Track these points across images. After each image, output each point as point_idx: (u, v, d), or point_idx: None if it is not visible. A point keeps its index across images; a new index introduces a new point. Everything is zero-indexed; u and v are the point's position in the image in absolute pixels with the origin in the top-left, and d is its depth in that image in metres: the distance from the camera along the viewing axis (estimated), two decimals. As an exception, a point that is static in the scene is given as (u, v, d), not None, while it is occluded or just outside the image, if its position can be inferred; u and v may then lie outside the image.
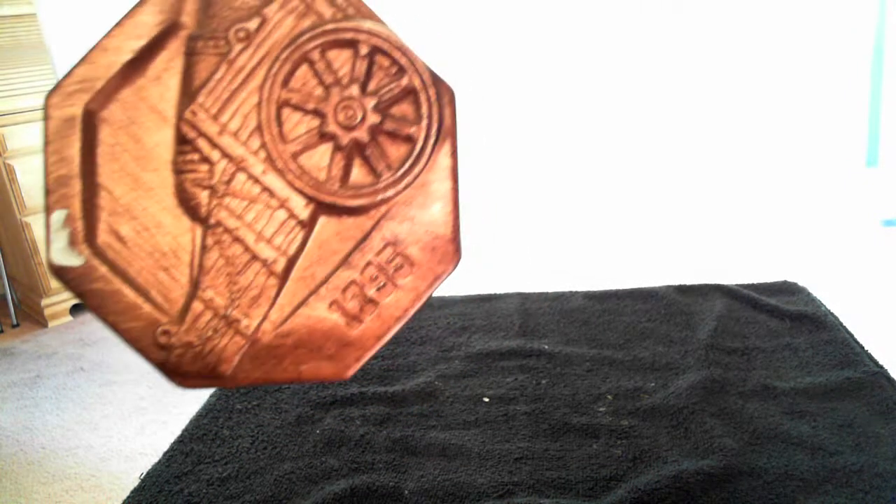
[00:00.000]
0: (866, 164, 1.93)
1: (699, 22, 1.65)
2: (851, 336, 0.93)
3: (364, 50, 0.38)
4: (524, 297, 1.13)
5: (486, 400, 0.85)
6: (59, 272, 0.37)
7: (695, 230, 1.75)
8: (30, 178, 2.63)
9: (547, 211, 1.76)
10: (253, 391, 0.89)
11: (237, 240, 0.39)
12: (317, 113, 0.38)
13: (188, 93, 0.38)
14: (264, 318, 0.39)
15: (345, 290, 0.39)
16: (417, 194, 0.39)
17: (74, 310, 2.81)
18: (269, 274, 0.39)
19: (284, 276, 0.39)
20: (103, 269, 0.38)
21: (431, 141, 0.39)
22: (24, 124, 2.63)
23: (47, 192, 0.38)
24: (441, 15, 1.61)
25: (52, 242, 0.37)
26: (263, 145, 0.38)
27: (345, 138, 0.38)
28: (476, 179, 1.67)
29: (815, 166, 1.78)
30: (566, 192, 1.75)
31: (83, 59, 0.38)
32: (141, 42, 0.38)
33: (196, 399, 0.90)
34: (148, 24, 0.39)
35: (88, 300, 0.38)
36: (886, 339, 1.08)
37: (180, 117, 0.38)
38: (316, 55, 0.38)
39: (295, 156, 0.38)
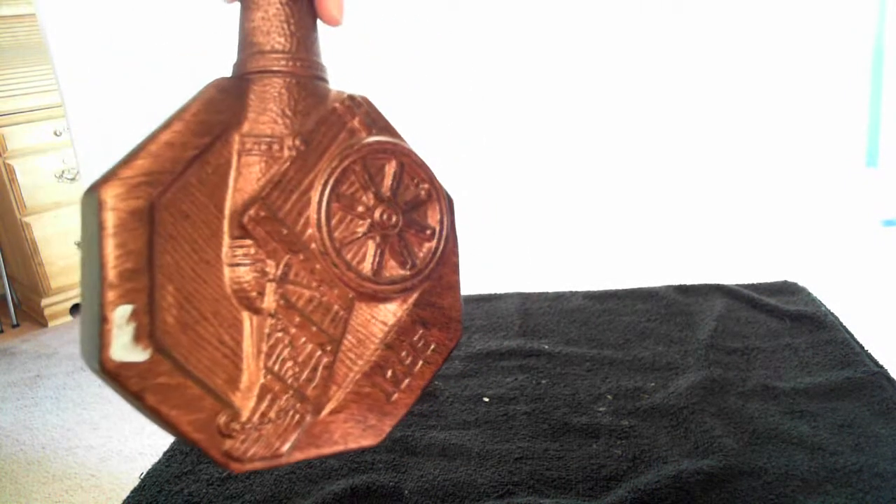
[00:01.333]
0: (866, 165, 1.93)
1: (698, 22, 1.65)
2: (851, 336, 0.93)
3: (394, 163, 0.44)
4: (524, 297, 1.13)
5: (486, 400, 0.85)
6: (118, 370, 0.36)
7: (695, 230, 1.75)
8: (30, 178, 2.63)
9: (547, 211, 1.75)
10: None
11: (292, 326, 0.42)
12: (360, 216, 0.43)
13: (242, 190, 0.41)
14: (321, 398, 0.42)
15: (384, 366, 0.44)
16: (436, 285, 0.46)
17: (74, 310, 2.81)
18: (323, 357, 0.43)
19: (335, 358, 0.43)
20: (167, 364, 0.38)
21: (444, 240, 0.46)
22: (24, 124, 2.63)
23: (109, 286, 0.36)
24: (442, 15, 1.61)
25: (115, 338, 0.36)
26: (315, 242, 0.42)
27: (381, 237, 0.44)
28: (476, 179, 1.67)
29: (815, 166, 1.77)
30: (566, 192, 1.75)
31: (144, 152, 0.39)
32: (199, 139, 0.41)
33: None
34: (204, 121, 0.41)
35: (149, 396, 0.37)
36: (886, 339, 1.08)
37: (237, 212, 0.41)
38: (358, 164, 0.43)
39: (340, 252, 0.43)
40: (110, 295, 0.37)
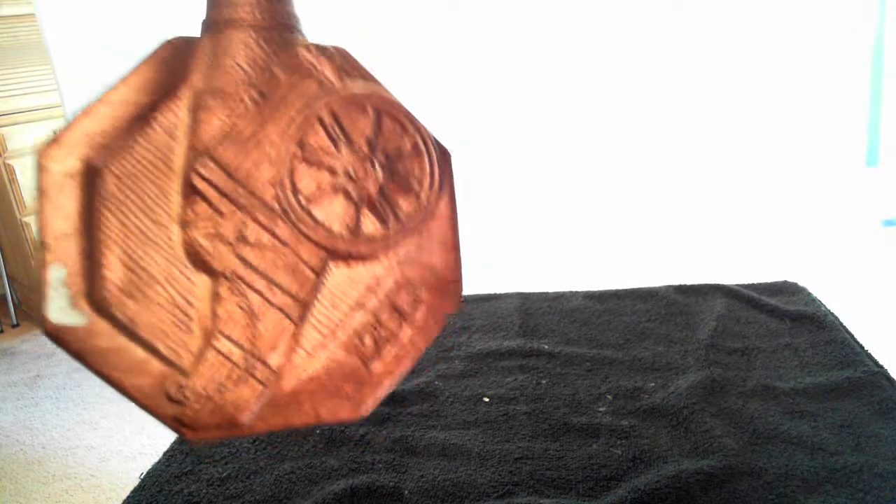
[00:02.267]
0: (866, 164, 1.93)
1: (698, 22, 1.65)
2: (851, 336, 0.93)
3: (371, 112, 0.41)
4: (524, 297, 1.13)
5: (486, 400, 0.85)
6: (57, 332, 0.36)
7: (695, 230, 1.75)
8: (30, 178, 2.62)
9: (547, 211, 1.76)
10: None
11: (251, 289, 0.39)
12: (329, 169, 0.40)
13: (195, 147, 0.39)
14: (283, 365, 0.39)
15: (361, 332, 0.41)
16: (424, 242, 0.42)
17: (74, 310, 2.82)
18: (286, 321, 0.39)
19: (300, 323, 0.40)
20: (106, 326, 0.36)
21: (434, 194, 0.42)
22: (24, 124, 2.63)
23: (45, 249, 0.36)
24: (442, 16, 1.61)
25: (51, 301, 0.36)
26: (277, 198, 0.39)
27: (356, 192, 0.40)
28: (476, 179, 1.67)
29: (815, 166, 1.77)
30: (566, 193, 1.75)
31: (85, 113, 0.38)
32: (148, 97, 0.39)
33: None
34: (154, 80, 0.39)
35: (90, 359, 0.36)
36: (886, 339, 1.08)
37: (189, 170, 0.39)
38: (327, 115, 0.40)
39: (308, 209, 0.40)
40: (46, 257, 0.36)
